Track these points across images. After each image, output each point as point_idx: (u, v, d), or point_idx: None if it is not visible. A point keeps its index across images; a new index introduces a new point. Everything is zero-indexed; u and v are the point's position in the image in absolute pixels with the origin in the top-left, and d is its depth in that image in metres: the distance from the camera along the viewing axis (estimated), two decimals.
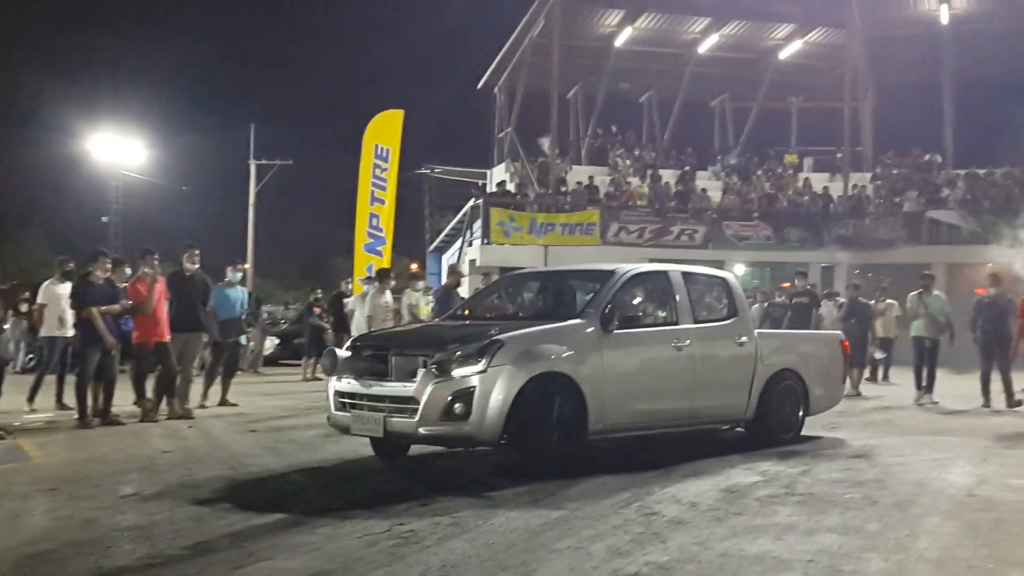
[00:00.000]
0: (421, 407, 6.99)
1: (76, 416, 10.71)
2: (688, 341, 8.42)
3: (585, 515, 6.08)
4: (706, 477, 7.56)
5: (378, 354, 7.68)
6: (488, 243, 25.08)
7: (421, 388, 7.04)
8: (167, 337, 11.27)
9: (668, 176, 30.06)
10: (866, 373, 16.79)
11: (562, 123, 32.03)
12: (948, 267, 23.96)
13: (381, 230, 20.44)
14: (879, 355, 16.71)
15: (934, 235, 26.82)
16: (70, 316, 11.66)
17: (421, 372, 7.13)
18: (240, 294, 13.23)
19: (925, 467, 8.10)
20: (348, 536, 5.53)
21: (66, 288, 11.91)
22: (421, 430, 7.02)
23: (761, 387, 9.11)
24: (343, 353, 7.99)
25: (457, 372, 7.00)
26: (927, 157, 31.13)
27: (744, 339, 9.03)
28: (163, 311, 11.29)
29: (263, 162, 37.09)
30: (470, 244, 27.02)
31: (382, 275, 14.96)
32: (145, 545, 5.35)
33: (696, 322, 8.63)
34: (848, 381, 15.22)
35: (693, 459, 8.24)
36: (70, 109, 56.55)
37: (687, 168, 30.88)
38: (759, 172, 31.33)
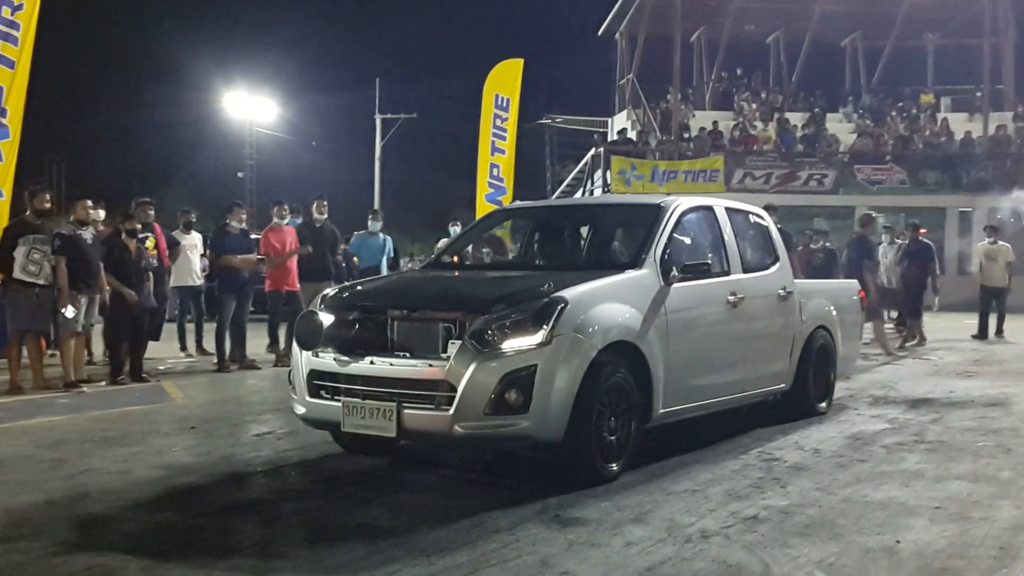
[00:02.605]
0: (459, 396, 5.06)
1: (215, 360, 11.26)
2: (742, 295, 6.80)
3: (703, 460, 6.07)
4: (831, 424, 7.44)
5: (371, 317, 5.64)
6: (609, 192, 24.91)
7: (458, 368, 5.09)
8: (297, 286, 11.67)
9: (796, 119, 29.10)
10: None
11: (685, 68, 31.36)
12: None
13: (502, 180, 20.49)
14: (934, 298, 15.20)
15: None
16: (197, 265, 12.28)
17: (454, 345, 5.19)
18: (381, 242, 13.50)
19: None
20: (463, 476, 5.69)
21: (191, 239, 12.58)
22: (458, 428, 5.08)
23: (801, 348, 7.66)
24: (326, 317, 5.75)
25: (509, 345, 5.12)
26: None
27: (787, 291, 7.49)
28: (293, 260, 11.69)
29: (388, 116, 37.74)
30: (591, 194, 26.89)
31: None
32: (278, 479, 5.62)
33: (745, 271, 7.06)
34: (913, 334, 14.39)
35: None
36: (206, 69, 58.51)
37: (816, 110, 29.81)
38: (893, 113, 30.01)
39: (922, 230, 15.96)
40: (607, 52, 34.68)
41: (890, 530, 4.49)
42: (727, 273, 6.84)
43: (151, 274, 10.37)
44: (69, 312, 9.31)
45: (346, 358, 5.50)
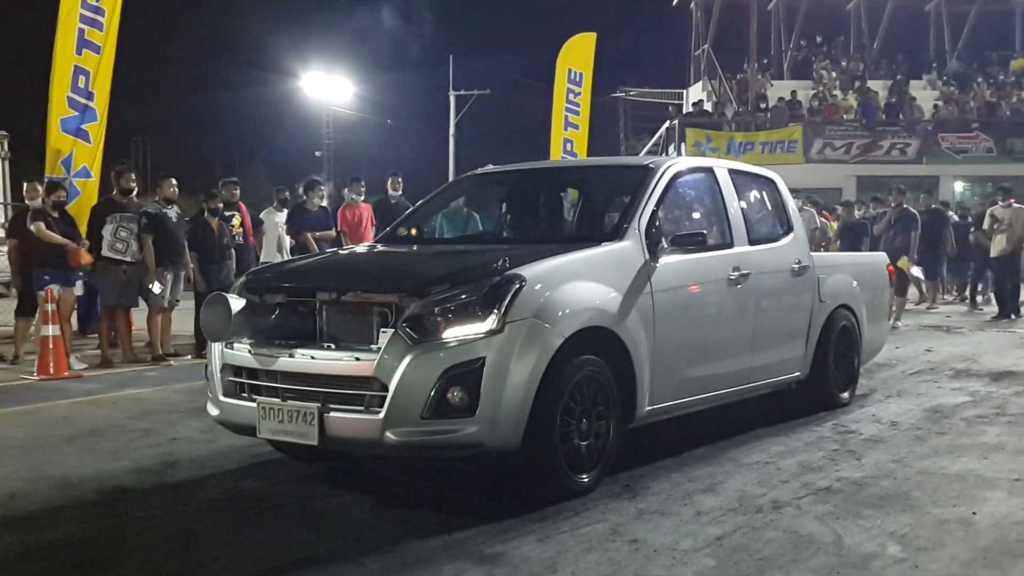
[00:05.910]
0: (391, 396, 4.24)
1: None
2: (747, 270, 5.91)
3: (776, 432, 6.05)
4: (910, 398, 7.33)
5: (298, 300, 4.81)
6: None
7: (390, 362, 4.27)
8: None
9: (878, 87, 28.38)
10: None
11: (763, 36, 30.80)
12: None
13: (575, 155, 20.47)
14: (917, 274, 13.78)
15: None
16: (287, 242, 12.53)
17: (386, 334, 4.36)
18: (465, 217, 13.55)
19: None
20: None
21: (283, 216, 12.82)
22: (390, 435, 4.23)
23: (819, 331, 6.73)
24: (237, 302, 4.75)
25: (452, 333, 4.28)
26: None
27: (802, 265, 6.55)
28: (370, 236, 11.87)
29: (462, 92, 37.84)
30: None
31: None
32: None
33: (751, 242, 6.13)
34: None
35: (895, 380, 7.96)
36: (284, 51, 59.58)
37: (899, 77, 29.03)
38: (979, 79, 29.04)
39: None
40: (682, 22, 34.35)
41: (967, 502, 4.44)
42: (729, 245, 5.94)
43: (233, 251, 10.62)
44: (156, 288, 9.64)
45: (264, 350, 4.68)
